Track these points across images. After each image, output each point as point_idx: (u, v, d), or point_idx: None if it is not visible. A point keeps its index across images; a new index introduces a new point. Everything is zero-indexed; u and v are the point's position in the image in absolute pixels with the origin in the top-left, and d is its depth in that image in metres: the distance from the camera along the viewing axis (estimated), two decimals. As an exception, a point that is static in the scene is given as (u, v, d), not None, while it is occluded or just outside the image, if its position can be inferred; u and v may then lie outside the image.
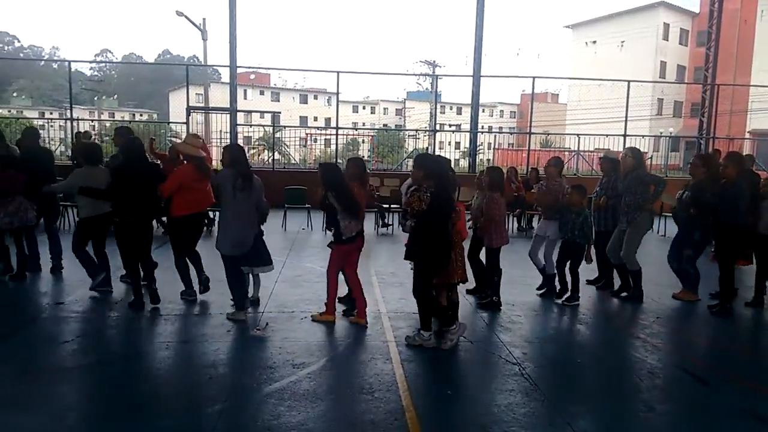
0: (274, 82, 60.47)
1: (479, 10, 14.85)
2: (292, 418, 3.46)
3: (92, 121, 29.87)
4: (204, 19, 24.85)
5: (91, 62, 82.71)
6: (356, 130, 34.91)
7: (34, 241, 6.91)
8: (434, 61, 46.61)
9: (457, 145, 30.51)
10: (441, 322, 4.79)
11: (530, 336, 5.25)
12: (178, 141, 6.89)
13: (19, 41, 79.16)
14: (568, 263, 6.24)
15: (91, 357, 4.44)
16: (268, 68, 77.32)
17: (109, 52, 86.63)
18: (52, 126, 18.79)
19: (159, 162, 6.76)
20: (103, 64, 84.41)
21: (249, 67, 53.52)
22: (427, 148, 22.15)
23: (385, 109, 66.20)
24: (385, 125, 54.84)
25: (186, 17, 23.85)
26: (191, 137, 6.26)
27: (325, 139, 26.61)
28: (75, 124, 15.37)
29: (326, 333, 5.15)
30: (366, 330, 5.21)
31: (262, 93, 56.68)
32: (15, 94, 66.19)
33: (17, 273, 6.66)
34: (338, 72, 15.11)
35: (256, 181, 5.39)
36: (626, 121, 16.18)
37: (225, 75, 45.55)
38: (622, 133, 16.13)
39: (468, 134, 16.70)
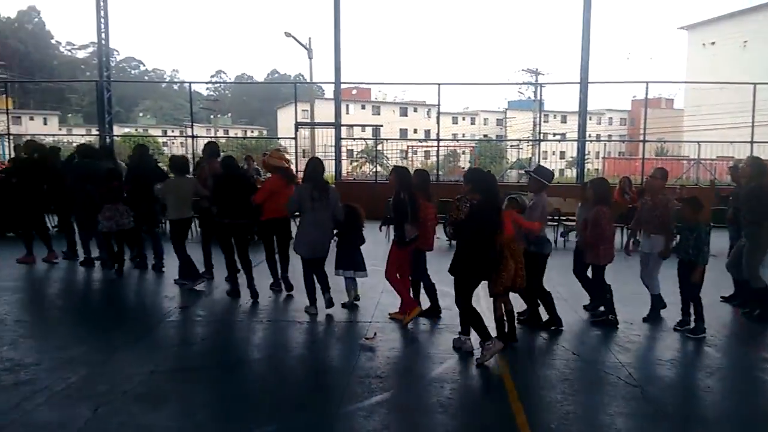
0: (374, 96, 61.79)
1: (586, 13, 14.32)
2: (402, 429, 3.47)
3: (209, 138, 32.08)
4: (310, 38, 25.93)
5: (207, 83, 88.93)
6: (456, 141, 34.76)
7: (135, 241, 7.84)
8: (537, 69, 45.53)
9: (562, 154, 29.46)
10: (480, 336, 4.66)
11: (652, 357, 4.93)
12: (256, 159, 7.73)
13: (144, 65, 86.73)
14: (688, 286, 5.52)
15: (216, 359, 4.73)
16: (370, 83, 79.13)
17: (224, 73, 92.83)
18: (173, 143, 20.34)
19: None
20: (218, 85, 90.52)
21: (351, 83, 55.10)
22: (531, 159, 21.59)
23: (485, 119, 65.43)
24: (485, 136, 54.18)
25: (294, 38, 25.00)
26: (275, 152, 7.12)
27: (425, 150, 26.74)
28: (194, 141, 16.55)
29: (433, 345, 5.13)
30: (472, 347, 5.13)
31: (363, 107, 58.09)
32: (141, 114, 72.47)
33: (118, 269, 7.66)
34: (439, 84, 15.16)
35: (332, 192, 5.90)
36: (753, 126, 14.84)
37: (329, 91, 47.24)
38: (749, 139, 14.82)
39: (574, 143, 16.08)
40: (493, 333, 4.77)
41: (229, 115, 72.71)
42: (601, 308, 5.85)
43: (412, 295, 5.79)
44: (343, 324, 5.72)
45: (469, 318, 4.73)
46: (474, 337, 4.79)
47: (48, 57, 71.34)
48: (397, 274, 5.66)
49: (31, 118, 55.46)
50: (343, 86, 14.82)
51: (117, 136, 16.45)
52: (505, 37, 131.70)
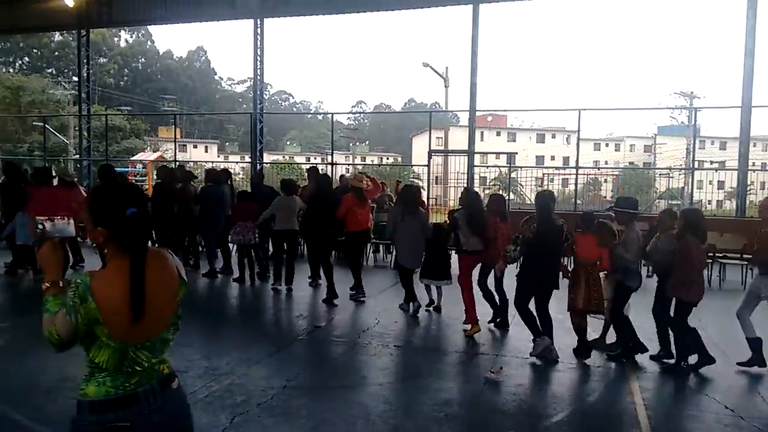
0: (510, 123, 60.92)
1: (749, 29, 13.01)
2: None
3: (348, 165, 33.59)
4: (447, 68, 26.32)
5: (348, 113, 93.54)
6: (598, 168, 33.02)
7: (257, 254, 8.97)
8: (692, 92, 41.99)
9: (720, 184, 26.74)
10: (532, 333, 5.40)
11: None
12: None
13: (293, 97, 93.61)
14: None
15: (343, 379, 4.86)
16: (506, 110, 78.24)
17: (363, 103, 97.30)
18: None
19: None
20: (358, 114, 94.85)
21: (486, 110, 54.83)
22: (683, 188, 19.87)
23: (631, 145, 61.53)
24: (631, 163, 50.92)
25: (431, 68, 25.52)
26: (357, 175, 8.79)
27: (563, 178, 25.70)
28: (334, 167, 17.41)
29: (561, 385, 4.86)
30: (606, 385, 4.80)
31: (498, 134, 57.48)
32: (288, 143, 77.89)
33: (240, 277, 8.74)
34: (579, 110, 14.56)
35: (421, 213, 7.15)
36: None
37: (464, 118, 47.46)
38: None
39: (734, 172, 14.54)
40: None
41: (367, 142, 75.69)
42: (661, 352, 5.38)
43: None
44: (469, 354, 5.63)
45: (524, 317, 5.43)
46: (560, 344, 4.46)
47: (211, 91, 79.54)
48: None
49: (195, 146, 61.91)
50: (477, 113, 14.79)
51: (266, 163, 17.80)
52: (654, 58, 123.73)
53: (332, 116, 18.04)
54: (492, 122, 54.93)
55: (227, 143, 71.01)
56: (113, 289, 1.75)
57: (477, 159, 16.65)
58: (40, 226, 1.83)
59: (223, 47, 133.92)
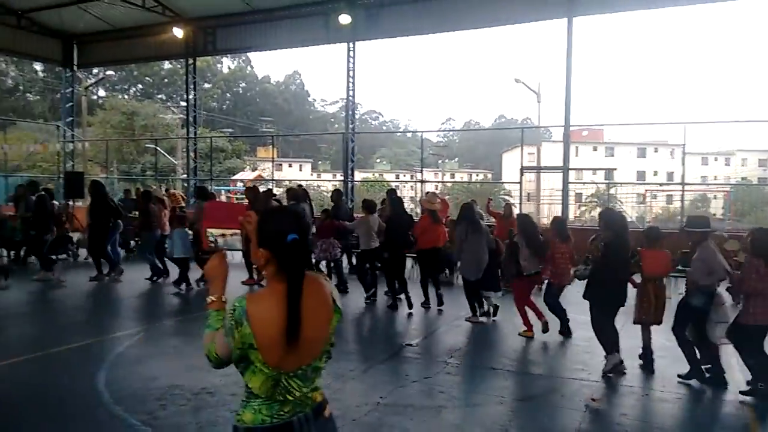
0: (608, 137, 58.39)
1: None
2: None
3: (437, 182, 33.64)
4: (539, 83, 25.76)
5: (438, 131, 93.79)
6: (706, 184, 30.90)
7: (340, 270, 9.61)
8: (813, 100, 38.28)
9: None
10: (604, 349, 5.48)
11: None
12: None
13: (382, 116, 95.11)
14: None
15: (434, 399, 4.82)
16: (602, 124, 75.20)
17: (452, 120, 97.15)
18: (404, 186, 21.68)
19: (494, 219, 10.34)
20: (448, 131, 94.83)
21: (582, 125, 52.95)
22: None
23: (743, 159, 56.99)
24: (744, 178, 47.17)
25: (523, 83, 25.10)
26: (431, 195, 9.18)
27: (667, 195, 24.27)
28: (423, 185, 17.49)
29: (671, 417, 4.53)
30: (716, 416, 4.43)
31: (595, 149, 55.25)
32: (378, 161, 79.16)
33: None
34: (685, 123, 13.71)
35: (483, 229, 7.78)
36: None
37: (556, 134, 46.12)
38: None
39: None
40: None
41: (456, 159, 75.39)
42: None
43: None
44: (562, 378, 5.40)
45: (599, 335, 5.52)
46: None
47: (305, 113, 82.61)
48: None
49: (290, 165, 64.43)
50: (572, 128, 14.33)
51: (357, 180, 18.19)
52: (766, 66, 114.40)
53: (422, 134, 18.20)
54: (588, 136, 52.94)
55: (320, 162, 73.27)
56: (269, 314, 1.74)
57: (572, 175, 16.10)
58: (212, 239, 1.86)
59: (316, 70, 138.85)
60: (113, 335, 6.65)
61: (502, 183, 30.85)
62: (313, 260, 9.27)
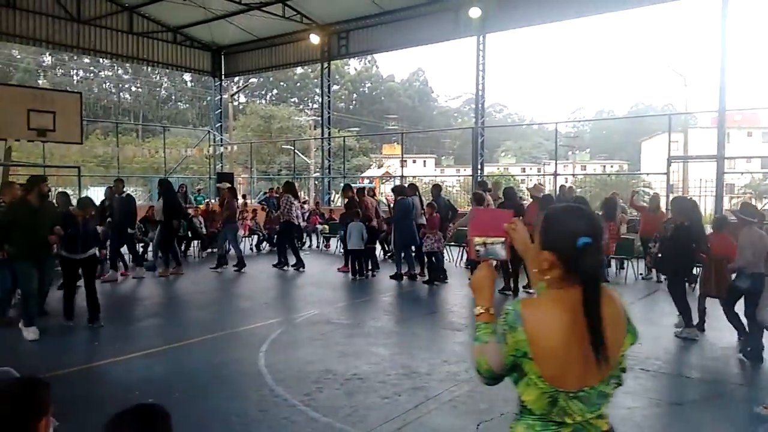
0: (765, 122, 52.32)
1: None
2: None
3: (569, 175, 32.23)
4: (683, 67, 23.75)
5: (571, 121, 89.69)
6: None
7: (440, 261, 10.07)
8: None
9: None
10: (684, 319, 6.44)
11: None
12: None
13: (506, 108, 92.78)
14: None
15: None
16: (759, 108, 67.40)
17: (582, 109, 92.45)
18: (530, 179, 21.07)
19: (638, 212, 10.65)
20: (578, 121, 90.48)
21: (735, 109, 47.91)
22: None
23: None
24: None
25: (670, 67, 23.28)
26: (537, 185, 9.92)
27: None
28: (555, 178, 16.87)
29: None
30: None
31: (749, 134, 49.80)
32: (503, 154, 77.51)
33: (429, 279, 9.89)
34: None
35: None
36: None
37: (702, 119, 42.06)
38: None
39: None
40: None
41: (588, 150, 71.74)
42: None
43: None
44: (726, 384, 4.99)
45: (676, 300, 6.47)
46: None
47: (429, 109, 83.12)
48: None
49: (414, 161, 65.18)
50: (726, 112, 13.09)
51: (486, 175, 18.01)
52: None
53: (556, 125, 17.55)
54: (741, 121, 47.84)
55: (443, 157, 73.33)
56: (550, 322, 1.57)
57: (725, 164, 14.67)
58: (478, 248, 1.75)
59: (439, 66, 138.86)
60: (268, 322, 7.20)
61: (642, 174, 28.84)
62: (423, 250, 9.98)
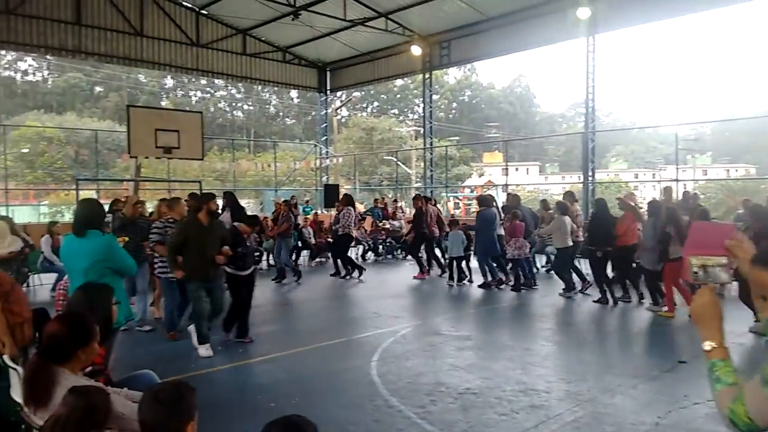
0: None
1: None
2: None
3: (689, 180, 29.96)
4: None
5: (693, 123, 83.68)
6: None
7: (525, 268, 10.18)
8: None
9: None
10: None
11: None
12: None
13: (615, 112, 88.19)
14: None
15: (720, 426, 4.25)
16: None
17: (701, 110, 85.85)
18: (644, 186, 19.77)
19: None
20: (698, 123, 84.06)
21: None
22: None
23: None
24: None
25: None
26: (629, 195, 10.05)
27: None
28: (677, 183, 15.72)
29: None
30: None
31: None
32: (613, 159, 73.66)
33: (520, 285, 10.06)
34: None
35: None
36: None
37: None
38: None
39: None
40: None
41: (709, 154, 66.46)
42: None
43: None
44: None
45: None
46: None
47: (531, 115, 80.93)
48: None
49: (516, 169, 63.62)
50: None
51: (598, 182, 17.18)
52: None
53: (676, 128, 16.39)
54: None
55: (547, 164, 71.03)
56: None
57: None
58: (696, 271, 1.54)
59: (541, 71, 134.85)
60: (377, 331, 7.26)
61: (773, 178, 26.23)
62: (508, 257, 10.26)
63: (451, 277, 10.82)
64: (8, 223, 6.89)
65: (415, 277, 11.47)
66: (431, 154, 19.41)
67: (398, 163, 32.21)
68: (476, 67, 76.06)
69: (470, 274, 11.04)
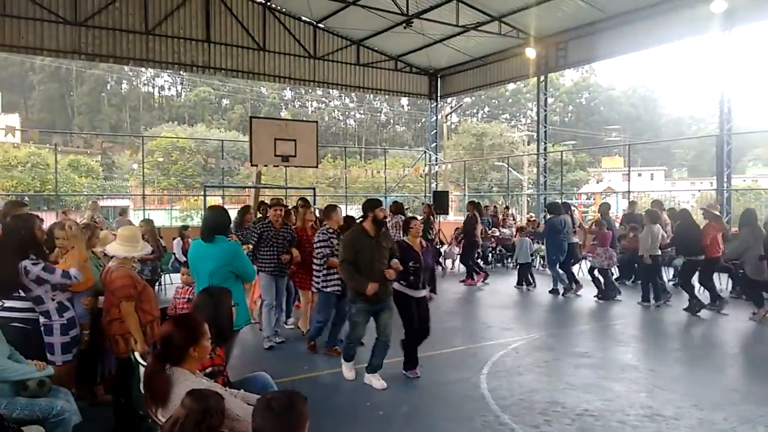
0: None
1: None
2: None
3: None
4: None
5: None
6: None
7: (608, 277, 10.12)
8: None
9: None
10: None
11: None
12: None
13: (750, 111, 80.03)
14: None
15: None
16: None
17: None
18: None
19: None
20: None
21: None
22: None
23: None
24: None
25: None
26: (711, 205, 9.55)
27: None
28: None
29: None
30: None
31: None
32: (750, 164, 67.00)
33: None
34: None
35: None
36: None
37: None
38: None
39: None
40: None
41: None
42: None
43: None
44: None
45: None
46: None
47: (655, 117, 75.69)
48: None
49: (639, 175, 59.72)
50: None
51: (734, 189, 15.67)
52: None
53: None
54: None
55: (674, 169, 66.08)
56: None
57: None
58: None
59: (665, 71, 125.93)
60: (488, 343, 7.06)
61: None
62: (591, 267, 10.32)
63: (519, 283, 11.32)
64: (145, 227, 7.48)
65: (463, 282, 11.89)
66: (545, 159, 18.70)
67: (509, 168, 31.45)
68: (595, 68, 72.69)
69: (534, 281, 11.41)
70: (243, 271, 4.50)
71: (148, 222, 8.27)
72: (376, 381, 5.36)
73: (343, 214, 7.21)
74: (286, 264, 6.81)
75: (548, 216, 10.94)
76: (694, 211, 17.49)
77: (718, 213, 9.28)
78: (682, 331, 7.93)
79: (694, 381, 5.61)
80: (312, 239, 6.77)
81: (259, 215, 9.46)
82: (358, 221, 5.80)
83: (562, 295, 10.39)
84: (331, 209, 6.70)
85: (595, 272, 10.15)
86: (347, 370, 5.61)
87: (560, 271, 10.51)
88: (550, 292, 10.62)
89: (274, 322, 6.84)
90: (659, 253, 9.43)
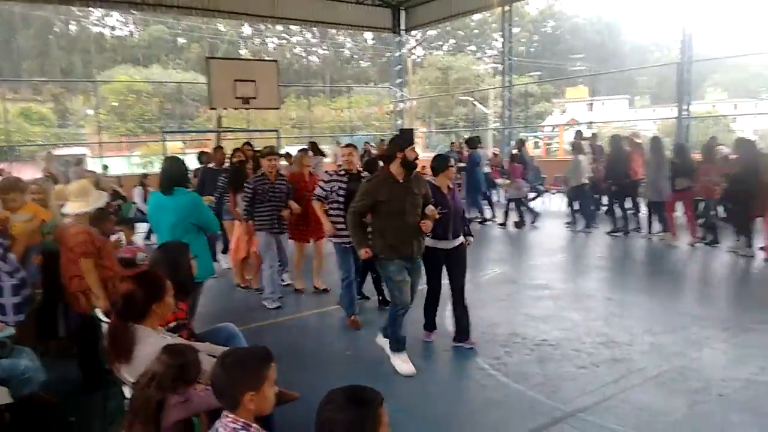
0: None
1: None
2: None
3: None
4: None
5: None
6: None
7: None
8: None
9: None
10: None
11: None
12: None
13: (710, 37, 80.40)
14: None
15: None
16: None
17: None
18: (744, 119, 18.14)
19: None
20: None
21: None
22: None
23: None
24: None
25: None
26: (635, 133, 10.27)
27: None
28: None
29: None
30: None
31: None
32: (709, 89, 67.84)
33: None
34: None
35: None
36: None
37: None
38: None
39: None
40: None
41: (823, 79, 59.67)
42: None
43: None
44: None
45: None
46: None
47: (619, 45, 75.38)
48: None
49: (602, 104, 60.07)
50: None
51: (694, 117, 15.94)
52: None
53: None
54: None
55: (637, 97, 66.61)
56: None
57: None
58: None
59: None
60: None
61: None
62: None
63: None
64: (92, 179, 7.28)
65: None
66: (510, 92, 18.63)
67: (475, 103, 31.26)
68: (559, -5, 71.61)
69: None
70: (205, 222, 4.45)
71: (90, 174, 8.03)
72: (401, 363, 4.41)
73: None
74: (285, 220, 6.26)
75: (470, 150, 11.54)
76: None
77: (639, 141, 10.21)
78: (637, 258, 8.26)
79: (645, 307, 5.89)
80: (310, 187, 6.19)
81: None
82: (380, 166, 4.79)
83: (480, 222, 11.38)
84: (352, 147, 5.68)
85: (511, 204, 11.07)
86: (401, 362, 4.40)
87: (481, 201, 11.41)
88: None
89: (278, 281, 6.37)
90: (586, 182, 10.06)
